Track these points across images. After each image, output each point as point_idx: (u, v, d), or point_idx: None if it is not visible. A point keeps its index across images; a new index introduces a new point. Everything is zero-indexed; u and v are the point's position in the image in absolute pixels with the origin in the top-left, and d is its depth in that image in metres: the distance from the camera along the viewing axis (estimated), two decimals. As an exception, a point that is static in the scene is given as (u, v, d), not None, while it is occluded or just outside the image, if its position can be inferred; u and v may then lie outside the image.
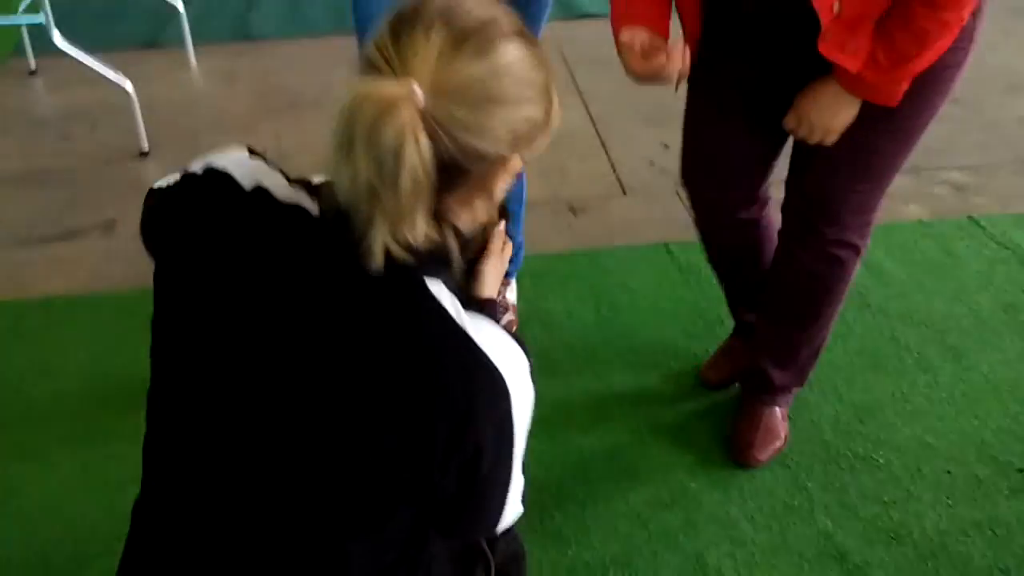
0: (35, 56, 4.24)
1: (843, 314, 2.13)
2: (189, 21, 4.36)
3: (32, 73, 4.25)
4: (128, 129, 3.60)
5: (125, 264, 2.97)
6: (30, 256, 3.06)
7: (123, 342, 2.60)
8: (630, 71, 1.75)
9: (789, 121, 1.81)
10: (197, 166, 1.16)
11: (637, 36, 1.72)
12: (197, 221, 1.11)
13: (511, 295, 2.66)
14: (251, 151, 1.18)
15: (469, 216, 1.09)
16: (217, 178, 1.12)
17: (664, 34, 1.75)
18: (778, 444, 2.20)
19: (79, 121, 3.86)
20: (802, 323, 2.11)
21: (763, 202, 2.12)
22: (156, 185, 1.22)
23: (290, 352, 1.03)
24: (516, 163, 1.05)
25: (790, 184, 1.99)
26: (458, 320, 1.03)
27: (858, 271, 2.02)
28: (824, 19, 1.59)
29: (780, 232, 2.06)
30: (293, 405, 1.03)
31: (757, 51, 1.80)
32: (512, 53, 1.00)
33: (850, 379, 2.42)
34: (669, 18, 1.78)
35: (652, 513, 2.07)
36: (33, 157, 3.63)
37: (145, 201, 1.24)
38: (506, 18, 1.02)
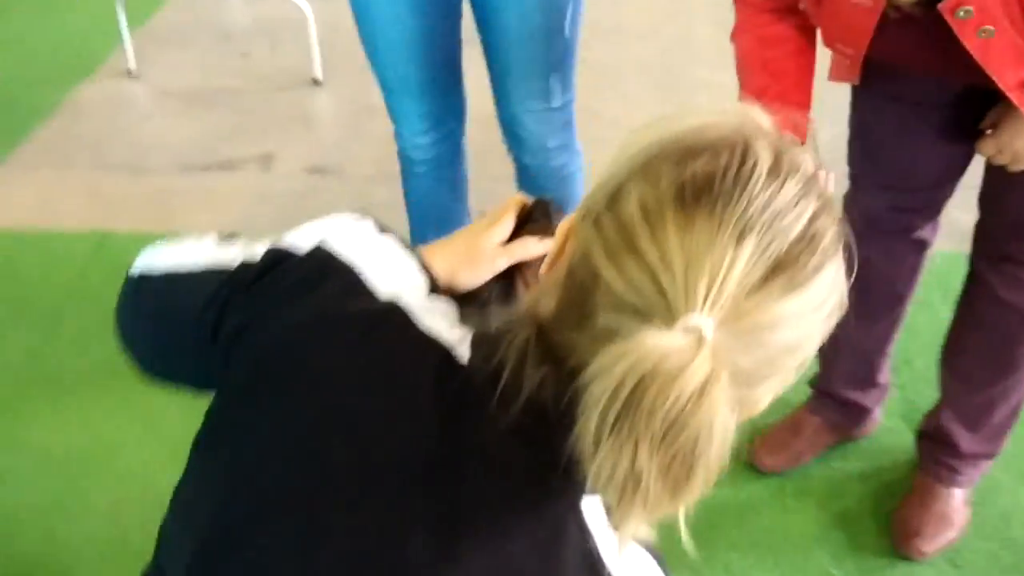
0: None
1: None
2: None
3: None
4: (305, 52, 3.44)
5: (276, 207, 2.83)
6: (183, 184, 2.98)
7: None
8: None
9: (986, 147, 1.52)
10: (298, 239, 0.87)
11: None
12: (306, 331, 0.82)
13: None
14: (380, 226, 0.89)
15: None
16: (334, 270, 0.84)
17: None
18: (951, 535, 1.83)
19: (261, 39, 3.75)
20: (997, 370, 1.76)
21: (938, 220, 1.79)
22: (209, 264, 0.93)
23: (404, 536, 0.75)
24: (763, 406, 0.74)
25: (984, 201, 1.69)
26: (605, 562, 0.75)
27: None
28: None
29: (971, 257, 1.74)
30: None
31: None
32: (826, 279, 0.68)
33: (1057, 461, 1.98)
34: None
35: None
36: (210, 75, 3.55)
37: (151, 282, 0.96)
38: (827, 213, 0.68)
